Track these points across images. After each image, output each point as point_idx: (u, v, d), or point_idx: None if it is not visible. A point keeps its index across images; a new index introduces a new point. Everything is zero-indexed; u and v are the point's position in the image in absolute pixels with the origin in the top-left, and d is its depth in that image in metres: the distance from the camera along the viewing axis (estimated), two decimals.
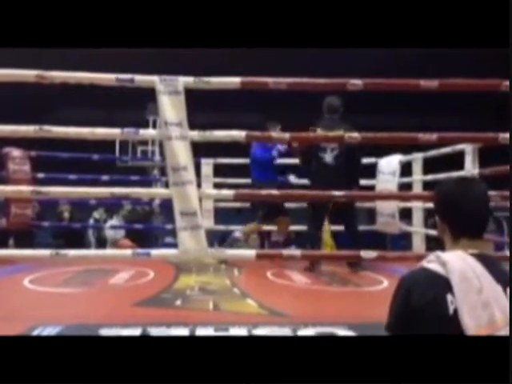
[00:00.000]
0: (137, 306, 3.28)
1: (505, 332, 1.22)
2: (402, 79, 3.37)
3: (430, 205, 6.14)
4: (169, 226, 7.10)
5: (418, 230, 6.21)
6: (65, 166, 6.81)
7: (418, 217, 6.23)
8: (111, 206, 8.46)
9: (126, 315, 3.05)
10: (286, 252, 3.55)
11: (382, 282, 4.23)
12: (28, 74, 3.13)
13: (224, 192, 3.44)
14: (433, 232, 6.67)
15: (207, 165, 6.58)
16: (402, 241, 7.93)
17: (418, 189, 6.15)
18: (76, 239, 7.69)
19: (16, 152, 5.96)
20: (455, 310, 1.24)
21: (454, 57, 7.83)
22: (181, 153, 3.07)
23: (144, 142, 10.01)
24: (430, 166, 6.15)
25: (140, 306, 3.30)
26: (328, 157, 4.77)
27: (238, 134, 3.25)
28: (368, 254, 3.29)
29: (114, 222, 8.34)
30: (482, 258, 1.31)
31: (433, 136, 3.32)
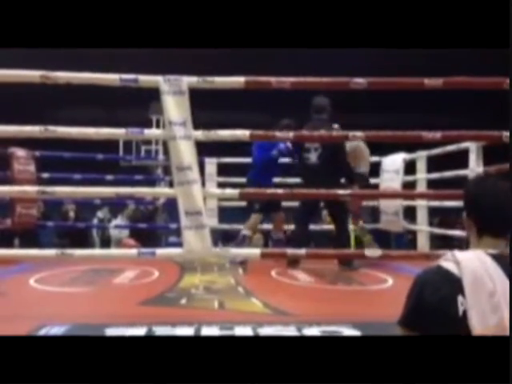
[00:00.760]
0: (142, 305, 3.29)
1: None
2: (405, 78, 3.38)
3: (435, 203, 6.16)
4: (173, 226, 7.13)
5: (423, 228, 6.21)
6: (69, 166, 6.83)
7: (422, 215, 6.23)
8: (115, 205, 8.48)
9: (132, 314, 3.06)
10: (290, 251, 3.55)
11: (386, 281, 4.23)
12: (32, 75, 3.14)
13: (229, 191, 3.45)
14: (438, 230, 6.67)
15: (211, 164, 6.60)
16: (406, 239, 7.93)
17: (422, 187, 6.15)
18: (81, 239, 7.72)
19: (21, 152, 5.98)
20: (464, 312, 1.23)
21: (453, 57, 7.81)
22: (185, 152, 3.08)
23: (148, 142, 10.01)
24: (434, 164, 6.15)
25: (145, 305, 3.31)
26: (312, 156, 4.81)
27: (242, 134, 3.26)
28: (372, 252, 3.30)
29: (119, 221, 8.37)
30: (500, 259, 1.28)
31: (437, 134, 3.32)
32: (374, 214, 6.33)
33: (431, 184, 6.14)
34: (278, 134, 3.41)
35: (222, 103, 9.08)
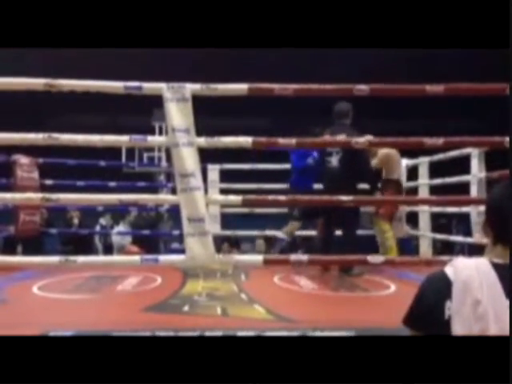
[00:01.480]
0: (145, 312, 3.29)
1: None
2: (407, 84, 3.39)
3: (437, 209, 6.15)
4: (175, 232, 7.14)
5: (425, 234, 6.20)
6: (72, 173, 6.86)
7: (424, 221, 6.23)
8: (118, 212, 8.50)
9: (135, 321, 3.06)
10: (293, 257, 3.55)
11: (389, 287, 4.22)
12: (37, 83, 3.16)
13: (232, 198, 3.46)
14: (440, 236, 6.67)
15: (213, 170, 6.62)
16: (413, 244, 7.92)
17: (424, 193, 6.15)
18: (84, 246, 7.73)
19: (24, 159, 6.01)
20: (449, 317, 1.24)
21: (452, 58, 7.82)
22: (188, 159, 3.09)
23: (150, 148, 10.04)
24: (436, 169, 6.16)
25: (148, 311, 3.31)
26: (333, 160, 4.91)
27: (245, 141, 3.27)
28: (375, 258, 3.30)
29: (121, 228, 8.38)
30: (503, 269, 1.27)
31: (439, 140, 3.33)
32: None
33: (433, 190, 6.15)
34: (280, 140, 3.41)
35: (220, 109, 9.11)
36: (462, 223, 8.99)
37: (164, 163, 9.36)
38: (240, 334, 2.65)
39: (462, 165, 5.29)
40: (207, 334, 2.66)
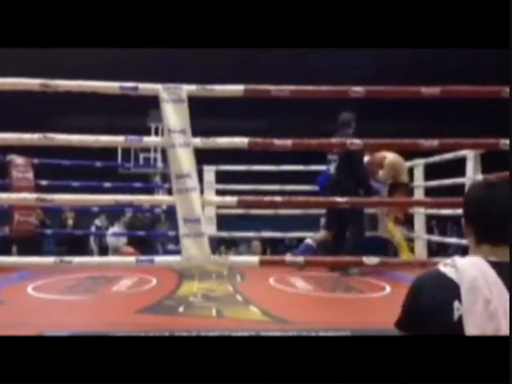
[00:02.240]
0: (140, 313, 3.28)
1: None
2: (402, 86, 3.40)
3: (432, 211, 6.17)
4: (171, 233, 7.13)
5: (420, 235, 6.21)
6: (67, 173, 6.84)
7: (419, 223, 6.24)
8: (112, 212, 8.48)
9: (129, 322, 3.05)
10: (288, 258, 3.55)
11: (384, 288, 4.23)
12: (32, 83, 3.15)
13: (227, 199, 3.46)
14: (435, 238, 6.68)
15: (210, 171, 6.61)
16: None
17: (419, 195, 6.16)
18: (79, 246, 7.71)
19: (19, 159, 5.99)
20: (460, 317, 1.23)
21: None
22: (184, 160, 3.09)
23: (146, 149, 10.04)
24: (431, 171, 6.17)
25: (143, 313, 3.31)
26: (332, 167, 5.08)
27: (241, 141, 3.27)
28: (370, 260, 3.30)
29: (115, 229, 8.36)
30: (499, 267, 1.28)
31: (434, 142, 3.34)
32: (373, 222, 6.33)
33: (429, 192, 6.16)
34: (276, 141, 3.42)
35: (215, 109, 9.11)
36: (458, 225, 9.01)
37: (160, 164, 9.36)
38: (235, 334, 2.65)
39: (458, 167, 5.30)
40: (202, 334, 2.65)
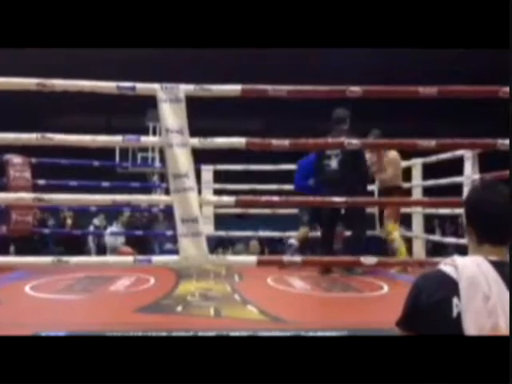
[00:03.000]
0: (138, 313, 3.28)
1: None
2: (400, 86, 3.40)
3: (430, 210, 6.18)
4: (169, 233, 7.13)
5: (418, 235, 6.22)
6: (65, 173, 6.83)
7: (417, 222, 6.25)
8: (111, 212, 8.48)
9: (127, 322, 3.05)
10: (286, 258, 3.55)
11: (382, 288, 4.24)
12: (29, 83, 3.14)
13: (225, 198, 3.46)
14: (433, 237, 6.69)
15: (207, 171, 6.61)
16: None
17: (417, 194, 6.17)
18: (77, 246, 7.71)
19: (17, 159, 5.98)
20: (459, 314, 1.24)
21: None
22: (182, 160, 3.09)
23: (144, 149, 10.04)
24: (429, 171, 6.18)
25: (141, 312, 3.31)
26: (333, 163, 4.99)
27: (238, 142, 3.27)
28: (368, 259, 3.31)
29: (114, 228, 8.35)
30: (500, 266, 1.29)
31: (432, 142, 3.34)
32: (371, 221, 6.34)
33: (427, 191, 6.17)
34: (273, 141, 3.42)
35: (219, 110, 9.12)
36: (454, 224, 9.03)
37: (158, 164, 9.35)
38: (233, 334, 2.65)
39: (456, 167, 5.31)
40: (200, 334, 2.66)
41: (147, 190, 8.65)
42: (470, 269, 1.28)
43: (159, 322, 3.04)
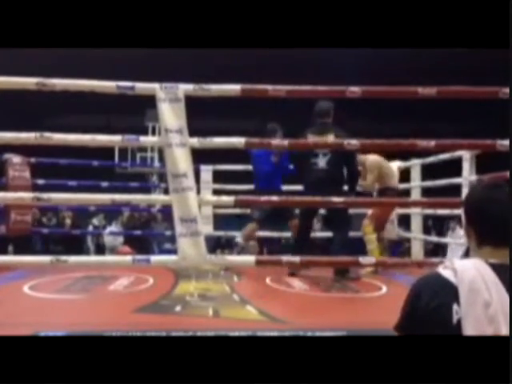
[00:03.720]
0: (136, 313, 3.28)
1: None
2: (399, 86, 3.40)
3: (429, 211, 6.18)
4: (168, 233, 7.13)
5: (417, 236, 6.23)
6: (64, 173, 6.83)
7: (416, 223, 6.26)
8: (110, 212, 8.48)
9: (126, 322, 3.05)
10: (285, 258, 3.55)
11: (380, 288, 4.24)
12: (28, 82, 3.14)
13: (224, 198, 3.46)
14: (432, 238, 6.70)
15: (206, 171, 6.61)
16: (402, 248, 7.96)
17: (416, 195, 6.18)
18: (76, 246, 7.71)
19: (16, 158, 5.97)
20: (459, 321, 1.22)
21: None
22: (181, 160, 3.09)
23: (143, 149, 10.03)
24: (428, 172, 6.19)
25: (139, 312, 3.30)
26: (321, 162, 4.73)
27: (238, 141, 3.27)
28: (367, 260, 3.31)
29: (113, 228, 8.35)
30: (500, 269, 1.26)
31: (431, 143, 3.34)
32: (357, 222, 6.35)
33: (426, 192, 6.18)
34: (273, 141, 3.42)
35: (218, 110, 9.11)
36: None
37: (157, 163, 9.35)
38: (232, 334, 2.65)
39: (454, 167, 5.31)
40: (199, 334, 2.66)
41: (146, 189, 8.65)
42: (470, 273, 1.25)
43: (158, 322, 3.04)
